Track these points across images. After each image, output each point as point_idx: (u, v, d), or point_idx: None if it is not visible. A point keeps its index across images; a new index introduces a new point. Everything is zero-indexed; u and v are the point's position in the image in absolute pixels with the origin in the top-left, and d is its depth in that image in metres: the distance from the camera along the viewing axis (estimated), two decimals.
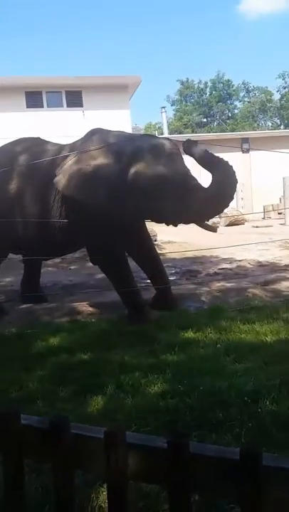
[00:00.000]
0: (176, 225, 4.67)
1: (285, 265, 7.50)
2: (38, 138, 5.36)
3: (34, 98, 16.16)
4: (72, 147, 4.85)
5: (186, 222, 4.69)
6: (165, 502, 1.78)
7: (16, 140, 5.34)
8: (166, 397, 2.88)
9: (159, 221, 4.68)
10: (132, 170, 4.34)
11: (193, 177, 4.46)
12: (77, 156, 4.54)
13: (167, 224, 4.65)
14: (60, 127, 14.12)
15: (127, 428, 1.04)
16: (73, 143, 4.98)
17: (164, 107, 23.33)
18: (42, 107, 16.27)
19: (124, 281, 4.75)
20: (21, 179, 4.88)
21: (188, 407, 2.69)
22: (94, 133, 4.84)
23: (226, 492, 0.99)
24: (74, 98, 16.38)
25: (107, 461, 1.00)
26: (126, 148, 4.45)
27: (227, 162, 4.32)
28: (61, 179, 4.50)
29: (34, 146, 5.10)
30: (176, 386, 3.01)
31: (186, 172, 4.43)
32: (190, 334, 4.17)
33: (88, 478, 2.01)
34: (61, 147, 5.01)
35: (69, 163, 4.53)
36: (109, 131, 4.88)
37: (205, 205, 4.36)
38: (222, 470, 0.93)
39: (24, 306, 5.45)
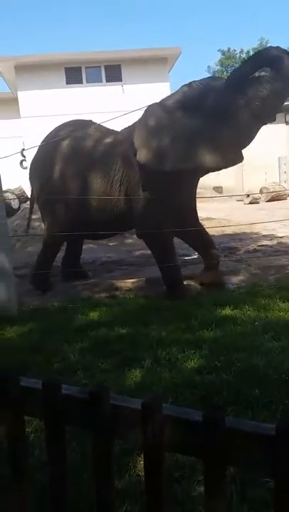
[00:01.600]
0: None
1: None
2: (90, 121, 5.41)
3: (73, 74, 16.10)
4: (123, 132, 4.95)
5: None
6: (200, 473, 1.83)
7: (68, 123, 5.41)
8: (202, 372, 2.91)
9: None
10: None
11: None
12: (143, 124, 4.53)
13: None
14: (100, 103, 14.07)
15: (163, 401, 1.07)
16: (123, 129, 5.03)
17: None
18: (81, 82, 16.21)
19: (168, 256, 4.82)
20: (81, 162, 4.99)
21: (224, 382, 2.71)
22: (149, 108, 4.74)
23: (261, 467, 1.00)
24: (113, 73, 16.19)
25: (144, 432, 1.03)
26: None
27: None
28: (142, 151, 4.45)
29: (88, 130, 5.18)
30: (212, 362, 3.04)
31: None
32: (227, 311, 4.15)
33: (127, 448, 2.09)
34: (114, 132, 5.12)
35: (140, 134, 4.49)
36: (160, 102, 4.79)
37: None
38: (257, 445, 0.94)
39: (66, 282, 5.61)
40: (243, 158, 4.48)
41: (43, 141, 5.40)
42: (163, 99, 4.71)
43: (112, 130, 5.18)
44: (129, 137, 4.65)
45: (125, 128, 4.99)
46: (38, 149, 5.40)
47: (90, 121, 5.39)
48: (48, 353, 3.40)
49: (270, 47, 4.33)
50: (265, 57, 4.19)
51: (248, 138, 4.35)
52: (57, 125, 5.51)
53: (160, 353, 3.26)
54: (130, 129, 4.82)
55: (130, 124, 4.94)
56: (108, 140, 4.99)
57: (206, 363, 3.05)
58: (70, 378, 2.83)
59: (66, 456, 1.24)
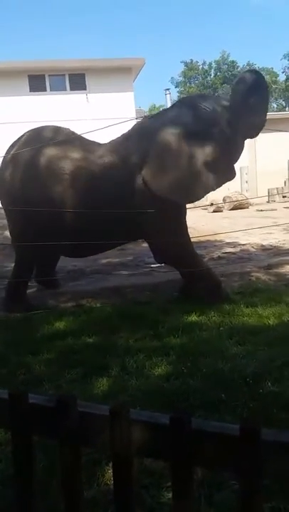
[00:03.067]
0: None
1: None
2: (68, 129, 5.10)
3: (37, 82, 15.99)
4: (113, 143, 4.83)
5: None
6: (168, 480, 1.84)
7: (44, 128, 5.04)
8: (170, 378, 2.94)
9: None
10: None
11: None
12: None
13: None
14: (64, 111, 14.02)
15: (131, 408, 1.08)
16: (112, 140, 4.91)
17: (168, 89, 22.91)
18: (45, 90, 16.11)
19: (198, 261, 4.84)
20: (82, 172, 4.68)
21: (191, 388, 2.75)
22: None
23: (227, 467, 1.03)
24: (77, 81, 16.19)
25: (112, 438, 1.04)
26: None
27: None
28: (149, 173, 4.43)
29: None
30: (179, 368, 3.07)
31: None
32: (193, 318, 4.21)
33: (95, 457, 2.07)
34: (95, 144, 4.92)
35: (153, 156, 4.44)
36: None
37: None
38: (223, 445, 0.96)
39: (30, 290, 5.50)
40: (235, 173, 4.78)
41: (9, 148, 5.02)
42: (165, 115, 4.71)
43: (95, 142, 4.96)
44: (127, 154, 4.59)
45: (113, 140, 4.86)
46: (12, 157, 4.90)
47: (68, 129, 5.07)
48: (12, 364, 3.33)
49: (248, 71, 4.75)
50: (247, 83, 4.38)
51: (239, 155, 4.70)
52: (21, 132, 5.27)
53: (127, 360, 3.26)
54: (122, 144, 4.71)
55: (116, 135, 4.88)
56: (100, 154, 4.73)
57: (173, 369, 3.08)
58: (36, 389, 2.78)
59: (34, 467, 1.22)
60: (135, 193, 4.55)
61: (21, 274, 4.95)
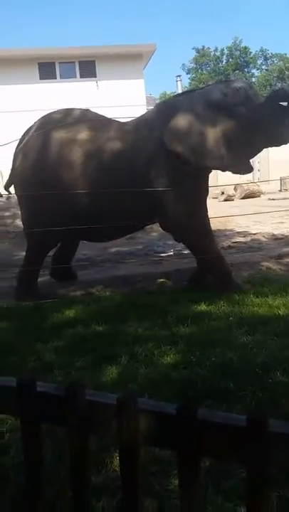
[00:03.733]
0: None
1: None
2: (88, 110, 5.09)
3: (47, 69, 15.92)
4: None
5: None
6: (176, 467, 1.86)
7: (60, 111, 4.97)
8: (178, 367, 2.95)
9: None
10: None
11: None
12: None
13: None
14: (74, 98, 13.95)
15: (139, 396, 1.08)
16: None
17: (179, 76, 22.66)
18: (55, 78, 16.03)
19: (214, 245, 4.78)
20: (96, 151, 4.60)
21: (200, 377, 2.75)
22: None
23: (233, 457, 1.03)
24: (87, 68, 16.08)
25: (120, 426, 1.04)
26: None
27: None
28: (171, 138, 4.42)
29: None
30: (188, 357, 3.07)
31: None
32: (203, 307, 4.21)
33: (103, 444, 2.10)
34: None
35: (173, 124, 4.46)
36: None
37: None
38: (229, 436, 0.96)
39: (41, 279, 5.53)
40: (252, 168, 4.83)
41: (22, 136, 4.97)
42: (193, 93, 4.76)
43: (115, 120, 4.89)
44: (153, 128, 4.56)
45: (136, 118, 4.88)
46: (28, 141, 4.82)
47: (87, 110, 5.03)
48: (22, 352, 3.37)
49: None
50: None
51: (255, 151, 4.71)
52: (31, 120, 5.26)
53: (136, 349, 3.28)
54: (149, 120, 4.70)
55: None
56: (120, 130, 4.69)
57: (182, 358, 3.08)
58: (46, 377, 2.81)
59: (43, 454, 1.24)
60: (153, 167, 4.50)
61: (32, 262, 4.94)
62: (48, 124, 4.78)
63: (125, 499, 1.11)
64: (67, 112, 4.93)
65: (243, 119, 4.37)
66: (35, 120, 5.06)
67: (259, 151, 4.77)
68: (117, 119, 4.92)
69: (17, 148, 5.00)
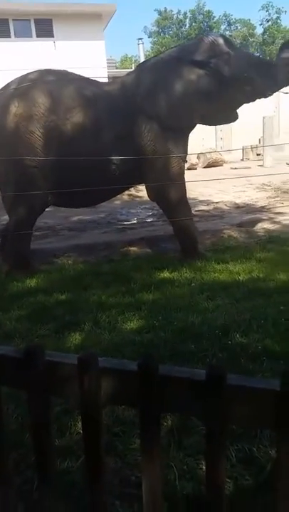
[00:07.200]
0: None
1: (261, 207, 7.57)
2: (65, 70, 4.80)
3: (0, 26, 14.96)
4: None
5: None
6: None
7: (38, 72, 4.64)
8: (141, 332, 2.98)
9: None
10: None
11: None
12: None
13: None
14: (30, 59, 13.26)
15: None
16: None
17: (141, 39, 21.96)
18: (9, 36, 15.12)
19: (187, 209, 4.79)
20: (81, 113, 4.41)
21: (162, 340, 2.80)
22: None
23: (194, 412, 1.05)
24: (44, 27, 15.25)
25: (81, 386, 1.04)
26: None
27: None
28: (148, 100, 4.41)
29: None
30: (151, 322, 3.11)
31: None
32: (166, 274, 4.24)
33: (67, 408, 2.11)
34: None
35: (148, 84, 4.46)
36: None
37: None
38: (190, 390, 0.98)
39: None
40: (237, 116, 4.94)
41: None
42: (180, 51, 4.64)
43: (97, 81, 4.76)
44: (135, 90, 4.48)
45: (117, 79, 4.84)
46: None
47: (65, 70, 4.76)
48: None
49: None
50: None
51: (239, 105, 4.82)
52: None
53: (100, 316, 3.28)
54: (130, 81, 4.60)
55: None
56: (102, 90, 4.59)
57: (145, 324, 3.12)
58: (7, 345, 2.76)
59: (3, 417, 1.22)
60: (135, 126, 4.47)
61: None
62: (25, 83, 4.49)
63: (87, 459, 1.11)
64: (47, 72, 4.65)
65: (221, 73, 4.42)
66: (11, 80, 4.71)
67: (242, 104, 4.80)
68: (96, 80, 4.80)
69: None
